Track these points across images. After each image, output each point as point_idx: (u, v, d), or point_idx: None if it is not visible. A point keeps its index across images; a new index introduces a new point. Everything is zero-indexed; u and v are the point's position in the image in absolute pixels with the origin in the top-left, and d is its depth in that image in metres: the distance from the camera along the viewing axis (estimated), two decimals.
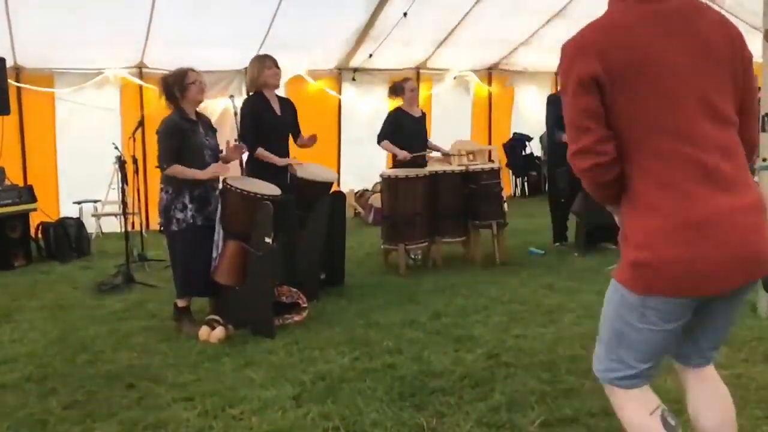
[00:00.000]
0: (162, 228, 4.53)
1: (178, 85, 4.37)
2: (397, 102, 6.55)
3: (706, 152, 1.75)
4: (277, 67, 5.13)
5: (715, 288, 1.77)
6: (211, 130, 4.60)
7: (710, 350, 2.03)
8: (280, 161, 5.04)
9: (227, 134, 5.79)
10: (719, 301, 1.87)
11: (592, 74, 1.76)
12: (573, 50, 1.84)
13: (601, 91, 1.78)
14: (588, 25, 1.88)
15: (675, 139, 1.76)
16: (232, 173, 4.67)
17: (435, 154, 7.39)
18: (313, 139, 5.27)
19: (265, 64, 5.08)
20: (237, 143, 4.70)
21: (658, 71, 1.77)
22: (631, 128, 1.79)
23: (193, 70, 4.44)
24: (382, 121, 6.42)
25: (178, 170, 4.28)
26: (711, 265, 1.73)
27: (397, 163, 6.38)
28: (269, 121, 5.06)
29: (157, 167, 4.42)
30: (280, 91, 5.48)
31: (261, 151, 4.95)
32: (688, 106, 1.77)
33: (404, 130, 6.24)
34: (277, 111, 5.14)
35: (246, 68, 9.14)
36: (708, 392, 2.03)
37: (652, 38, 1.79)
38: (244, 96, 5.44)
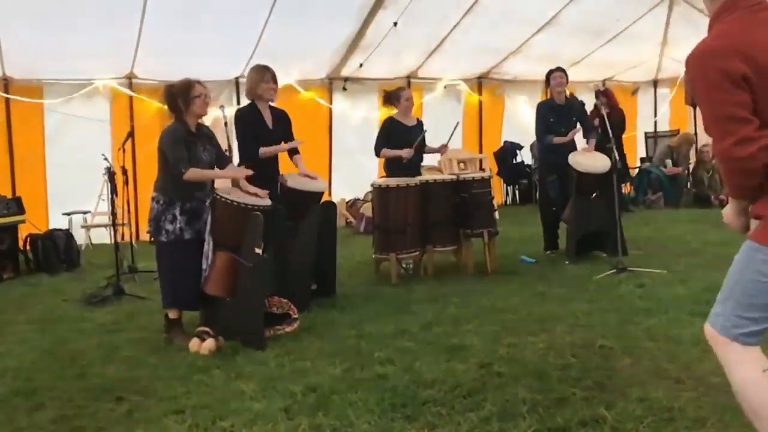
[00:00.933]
0: (151, 237, 4.48)
1: (183, 97, 4.29)
2: (391, 111, 6.54)
3: None
4: (275, 83, 5.13)
5: None
6: (210, 143, 4.51)
7: None
8: (287, 146, 5.17)
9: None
10: None
11: (742, 72, 1.92)
12: (709, 55, 1.99)
13: (750, 89, 1.94)
14: (711, 36, 2.04)
15: None
16: (222, 185, 4.65)
17: (427, 163, 7.38)
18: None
19: (263, 77, 5.08)
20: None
21: None
22: None
23: (199, 83, 4.35)
24: (374, 131, 6.41)
25: (199, 174, 4.27)
26: None
27: (389, 172, 6.35)
28: (259, 133, 5.07)
29: (174, 173, 4.24)
30: None
31: (263, 150, 5.03)
32: None
33: (398, 140, 6.20)
34: (269, 124, 5.15)
35: (236, 78, 9.34)
36: None
37: None
38: (235, 105, 5.43)
